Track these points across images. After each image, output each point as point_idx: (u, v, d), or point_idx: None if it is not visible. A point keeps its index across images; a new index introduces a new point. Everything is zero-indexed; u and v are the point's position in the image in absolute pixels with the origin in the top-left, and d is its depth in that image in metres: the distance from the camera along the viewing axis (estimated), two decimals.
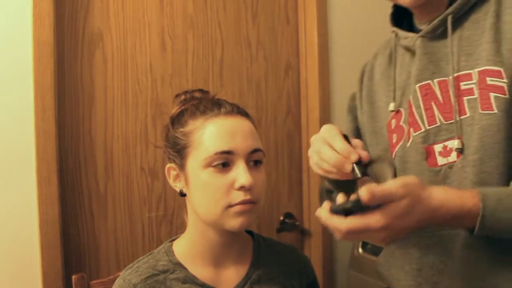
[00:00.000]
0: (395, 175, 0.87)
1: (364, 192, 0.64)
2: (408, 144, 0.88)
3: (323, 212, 0.71)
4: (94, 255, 1.45)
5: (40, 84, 1.31)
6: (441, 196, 0.71)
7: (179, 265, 0.90)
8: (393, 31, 0.96)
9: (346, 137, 0.81)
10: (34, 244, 1.31)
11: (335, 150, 0.78)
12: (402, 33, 0.94)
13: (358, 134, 1.05)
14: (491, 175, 0.78)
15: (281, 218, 1.76)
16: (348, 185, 0.84)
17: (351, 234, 0.68)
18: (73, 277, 1.11)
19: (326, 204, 0.71)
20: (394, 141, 0.93)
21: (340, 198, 0.71)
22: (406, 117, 0.90)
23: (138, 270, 0.89)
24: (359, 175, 0.76)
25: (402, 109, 0.92)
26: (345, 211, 0.68)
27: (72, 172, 1.42)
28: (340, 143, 0.78)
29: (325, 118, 1.73)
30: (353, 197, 0.68)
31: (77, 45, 1.43)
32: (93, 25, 1.45)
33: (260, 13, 1.71)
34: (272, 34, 1.73)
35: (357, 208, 0.67)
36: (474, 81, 0.81)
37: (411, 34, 0.91)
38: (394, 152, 0.92)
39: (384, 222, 0.66)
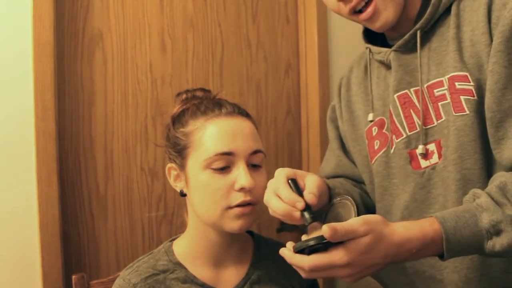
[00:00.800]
0: (358, 214, 0.81)
1: (326, 228, 0.64)
2: (392, 150, 0.94)
3: (286, 251, 0.72)
4: (94, 255, 1.45)
5: (40, 84, 1.31)
6: (403, 231, 0.71)
7: (179, 265, 0.90)
8: (367, 47, 1.03)
9: (294, 182, 0.79)
10: (34, 244, 1.31)
11: (282, 200, 0.78)
12: (375, 48, 1.00)
13: (342, 141, 1.12)
14: (471, 171, 0.84)
15: None
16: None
17: (315, 271, 0.68)
18: (73, 277, 1.11)
19: (289, 244, 0.72)
20: (376, 147, 0.99)
21: (304, 237, 0.73)
22: (389, 125, 0.96)
23: (138, 269, 0.89)
24: (308, 221, 0.76)
25: (384, 118, 0.98)
26: (309, 249, 0.68)
27: (72, 173, 1.42)
28: (286, 192, 0.78)
29: (325, 118, 1.72)
30: (315, 235, 0.68)
31: (77, 45, 1.43)
32: (93, 25, 1.45)
33: (260, 13, 1.71)
34: (272, 34, 1.73)
35: (320, 245, 0.67)
36: (445, 87, 0.88)
37: (384, 49, 0.97)
38: (375, 157, 0.98)
39: (348, 258, 0.66)
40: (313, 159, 1.75)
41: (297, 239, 1.88)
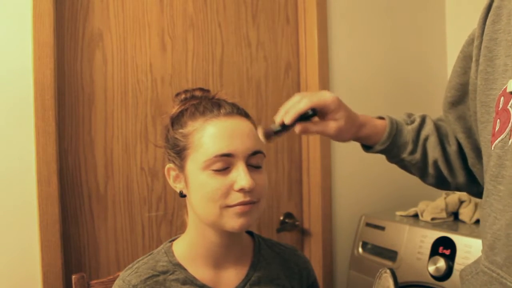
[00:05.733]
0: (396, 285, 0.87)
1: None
2: (510, 142, 0.67)
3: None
4: (94, 255, 1.45)
5: (40, 84, 1.31)
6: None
7: (179, 266, 0.90)
8: None
9: (314, 110, 0.86)
10: (34, 244, 1.31)
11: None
12: None
13: (463, 94, 0.86)
14: None
15: (281, 218, 1.76)
16: None
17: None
18: (73, 277, 1.11)
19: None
20: (497, 128, 0.71)
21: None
22: None
23: (137, 270, 0.89)
24: (278, 128, 0.86)
25: None
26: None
27: (72, 172, 1.42)
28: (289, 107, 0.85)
29: None
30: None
31: (77, 45, 1.43)
32: (93, 25, 1.45)
33: (260, 13, 1.71)
34: (272, 34, 1.73)
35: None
36: None
37: None
38: (494, 144, 0.71)
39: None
40: (313, 159, 1.76)
41: (297, 239, 1.88)
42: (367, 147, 0.97)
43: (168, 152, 0.92)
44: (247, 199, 0.83)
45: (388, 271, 0.87)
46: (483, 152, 0.78)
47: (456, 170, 0.95)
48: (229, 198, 0.84)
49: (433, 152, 0.93)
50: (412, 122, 0.96)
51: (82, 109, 1.44)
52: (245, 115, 0.92)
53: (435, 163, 0.94)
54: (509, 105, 0.68)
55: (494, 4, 0.78)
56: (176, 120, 0.91)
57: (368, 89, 1.88)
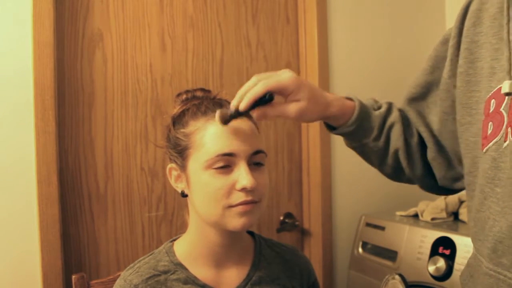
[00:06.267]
0: None
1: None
2: (506, 144, 0.67)
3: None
4: (94, 255, 1.45)
5: (40, 84, 1.31)
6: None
7: (180, 265, 0.90)
8: None
9: (271, 94, 0.82)
10: (34, 244, 1.31)
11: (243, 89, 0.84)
12: None
13: (426, 91, 0.88)
14: None
15: (281, 218, 1.76)
16: None
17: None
18: (73, 277, 1.10)
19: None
20: (489, 131, 0.71)
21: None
22: (508, 102, 0.67)
23: (139, 270, 0.89)
24: (233, 113, 0.82)
25: None
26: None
27: (72, 172, 1.42)
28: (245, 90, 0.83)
29: None
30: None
31: (77, 45, 1.43)
32: (93, 25, 1.45)
33: (260, 13, 1.71)
34: (272, 34, 1.73)
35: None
36: None
37: None
38: (486, 147, 0.71)
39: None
40: (313, 159, 1.76)
41: (297, 239, 1.88)
42: (331, 128, 0.94)
43: (170, 152, 0.92)
44: (249, 198, 0.83)
45: (397, 277, 0.83)
46: (464, 154, 0.79)
47: (414, 161, 0.93)
48: (231, 197, 0.84)
49: (396, 141, 0.91)
50: (379, 108, 0.94)
51: (82, 109, 1.44)
52: (247, 114, 0.92)
53: (396, 152, 0.92)
54: (502, 107, 0.68)
55: (473, 7, 0.79)
56: (178, 120, 0.91)
57: (368, 89, 1.88)
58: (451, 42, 0.81)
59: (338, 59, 1.79)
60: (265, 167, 0.90)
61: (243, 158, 0.85)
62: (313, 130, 1.72)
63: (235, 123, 0.86)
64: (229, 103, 0.92)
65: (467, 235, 1.35)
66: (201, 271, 0.90)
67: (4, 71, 1.29)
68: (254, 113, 0.82)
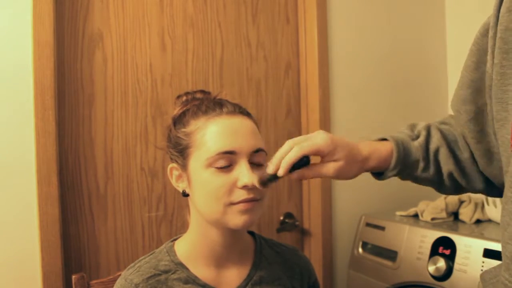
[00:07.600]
0: None
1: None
2: None
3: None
4: (94, 255, 1.45)
5: (40, 84, 1.30)
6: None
7: (180, 265, 0.90)
8: None
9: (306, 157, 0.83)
10: (34, 244, 1.30)
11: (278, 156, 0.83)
12: None
13: (475, 91, 0.78)
14: None
15: (281, 218, 1.76)
16: None
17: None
18: (73, 277, 1.10)
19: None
20: None
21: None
22: None
23: (140, 270, 0.89)
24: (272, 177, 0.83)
25: None
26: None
27: (72, 172, 1.42)
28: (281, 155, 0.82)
29: (325, 118, 1.73)
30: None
31: (77, 45, 1.43)
32: (93, 25, 1.45)
33: (260, 13, 1.71)
34: (272, 34, 1.73)
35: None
36: None
37: None
38: None
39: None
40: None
41: (297, 239, 1.88)
42: (378, 174, 0.93)
43: (171, 152, 0.92)
44: (251, 196, 0.84)
45: None
46: (501, 152, 0.72)
47: (472, 176, 0.89)
48: (232, 195, 0.84)
49: (447, 165, 0.88)
50: (418, 136, 0.90)
51: (82, 109, 1.44)
52: (247, 114, 0.92)
53: (451, 175, 0.89)
54: None
55: None
56: (178, 120, 0.92)
57: (368, 89, 1.89)
58: (490, 33, 0.72)
59: (338, 59, 1.79)
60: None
61: (244, 156, 0.85)
62: (313, 130, 1.72)
63: (235, 122, 0.87)
64: (229, 102, 0.92)
65: (467, 235, 1.36)
66: (201, 271, 0.90)
67: (4, 71, 1.28)
68: (293, 176, 0.83)
